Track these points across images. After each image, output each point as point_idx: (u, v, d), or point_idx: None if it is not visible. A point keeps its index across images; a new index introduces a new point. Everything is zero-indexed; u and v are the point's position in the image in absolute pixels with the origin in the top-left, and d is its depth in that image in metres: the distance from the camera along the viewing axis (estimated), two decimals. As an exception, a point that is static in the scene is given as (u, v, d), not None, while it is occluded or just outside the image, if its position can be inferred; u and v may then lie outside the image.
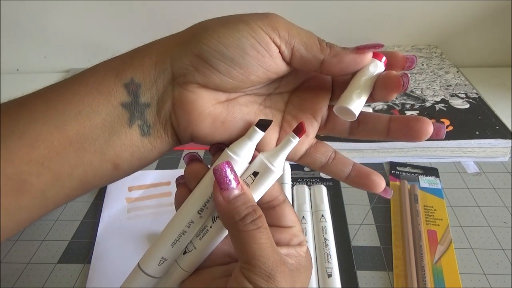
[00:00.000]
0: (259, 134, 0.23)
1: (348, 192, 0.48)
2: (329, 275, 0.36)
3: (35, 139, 0.22)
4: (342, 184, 0.49)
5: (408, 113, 0.57)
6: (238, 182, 0.22)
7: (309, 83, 0.27)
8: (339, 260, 0.38)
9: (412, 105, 0.59)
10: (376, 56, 0.24)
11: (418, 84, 0.65)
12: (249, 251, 0.21)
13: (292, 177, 0.48)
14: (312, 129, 0.26)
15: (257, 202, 0.24)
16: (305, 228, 0.41)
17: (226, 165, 0.22)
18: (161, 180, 0.50)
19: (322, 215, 0.42)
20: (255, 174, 0.23)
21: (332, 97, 0.27)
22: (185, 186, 0.25)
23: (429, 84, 0.64)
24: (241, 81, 0.24)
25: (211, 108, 0.24)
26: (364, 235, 0.42)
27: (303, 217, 0.42)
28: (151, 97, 0.24)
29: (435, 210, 0.44)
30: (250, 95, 0.26)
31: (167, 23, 0.76)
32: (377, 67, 0.24)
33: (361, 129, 0.27)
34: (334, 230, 0.42)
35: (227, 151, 0.23)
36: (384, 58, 0.24)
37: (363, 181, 0.25)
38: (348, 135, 0.27)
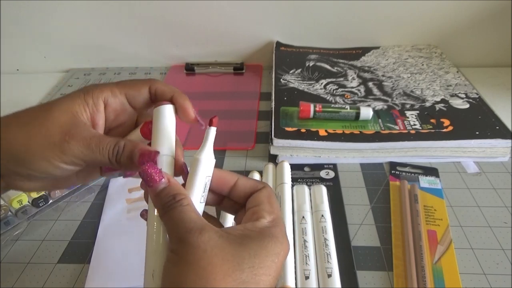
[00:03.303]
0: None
1: (348, 192, 0.48)
2: (329, 275, 0.36)
3: None
4: (342, 184, 0.49)
5: (408, 113, 0.57)
6: (162, 177, 0.24)
7: None
8: (339, 260, 0.38)
9: (412, 105, 0.59)
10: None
11: (418, 84, 0.65)
12: (168, 228, 0.23)
13: (292, 177, 0.48)
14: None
15: (244, 193, 0.27)
16: (305, 228, 0.41)
17: (147, 166, 0.24)
18: (161, 180, 0.50)
19: (322, 215, 0.42)
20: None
21: None
22: None
23: (429, 84, 0.64)
24: None
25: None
26: (364, 235, 0.42)
27: (303, 217, 0.42)
28: None
29: (435, 210, 0.44)
30: None
31: (167, 23, 0.76)
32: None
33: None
34: (334, 230, 0.42)
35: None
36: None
37: None
38: None
